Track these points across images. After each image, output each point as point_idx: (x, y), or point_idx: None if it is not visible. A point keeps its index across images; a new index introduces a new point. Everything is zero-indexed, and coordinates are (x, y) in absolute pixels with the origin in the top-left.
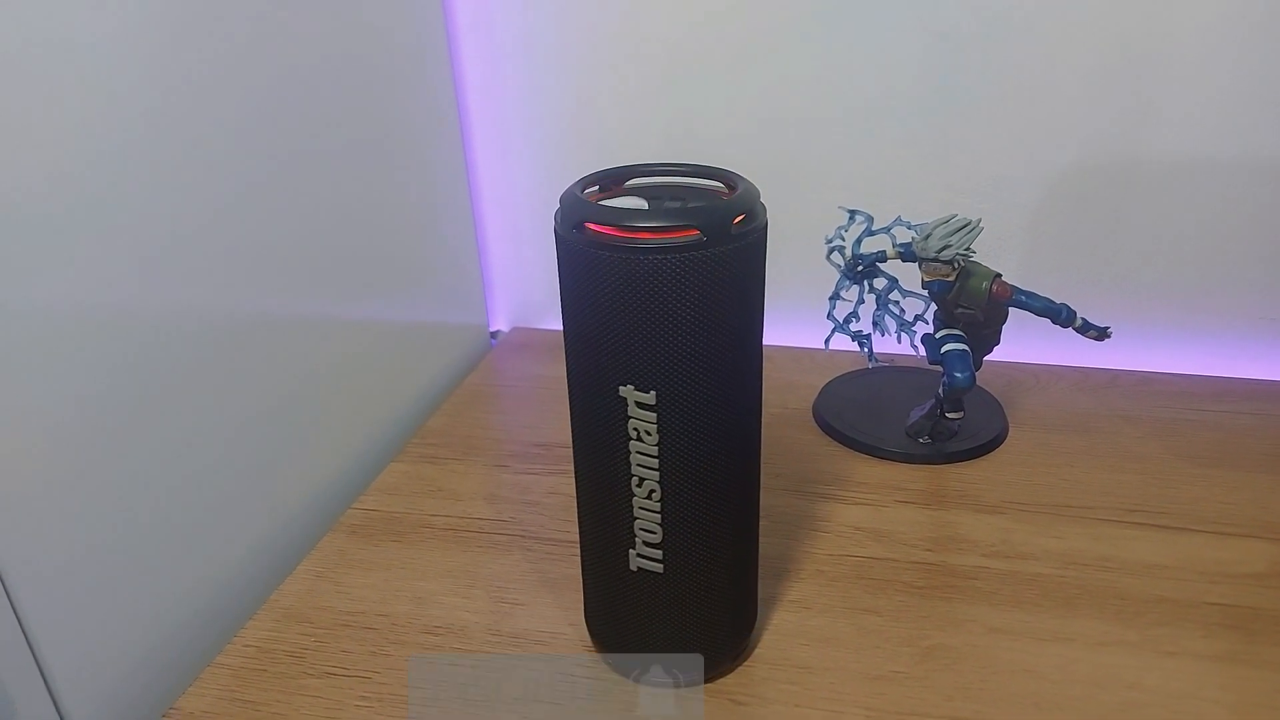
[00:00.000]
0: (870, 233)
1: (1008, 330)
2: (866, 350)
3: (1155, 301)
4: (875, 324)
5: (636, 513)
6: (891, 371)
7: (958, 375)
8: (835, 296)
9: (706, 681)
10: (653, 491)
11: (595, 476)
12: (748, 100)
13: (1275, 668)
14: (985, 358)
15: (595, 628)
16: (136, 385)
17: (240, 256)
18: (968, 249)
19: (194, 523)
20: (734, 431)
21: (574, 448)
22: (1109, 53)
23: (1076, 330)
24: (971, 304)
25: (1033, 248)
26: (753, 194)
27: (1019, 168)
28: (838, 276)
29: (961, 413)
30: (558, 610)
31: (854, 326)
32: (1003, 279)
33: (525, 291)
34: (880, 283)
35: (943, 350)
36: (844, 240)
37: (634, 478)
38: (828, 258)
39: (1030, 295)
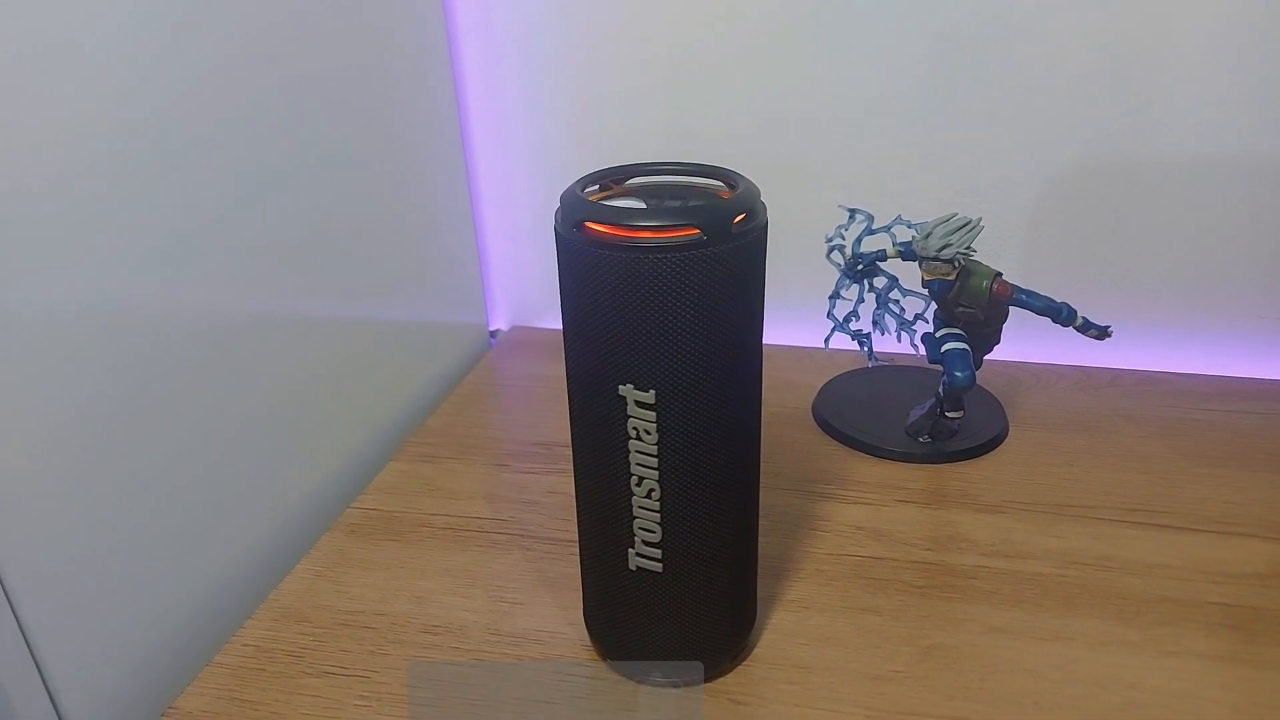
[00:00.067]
0: (870, 231)
1: (1008, 329)
2: (866, 349)
3: (1156, 300)
4: (875, 323)
5: (636, 512)
6: (891, 371)
7: (958, 374)
8: (835, 295)
9: (705, 681)
10: (652, 491)
11: (594, 476)
12: (748, 100)
13: (1277, 668)
14: (985, 357)
15: (594, 627)
16: (133, 385)
17: (238, 256)
18: (968, 248)
19: (192, 522)
20: (733, 430)
21: (573, 447)
22: (1109, 53)
23: (1077, 329)
24: (972, 303)
25: (1033, 247)
26: (753, 193)
27: (1019, 167)
28: (838, 275)
29: (962, 412)
30: (557, 610)
31: (854, 325)
32: (1003, 278)
33: (524, 290)
34: (880, 282)
35: (943, 349)
36: (844, 239)
37: (633, 477)
38: (828, 257)
39: (1031, 294)
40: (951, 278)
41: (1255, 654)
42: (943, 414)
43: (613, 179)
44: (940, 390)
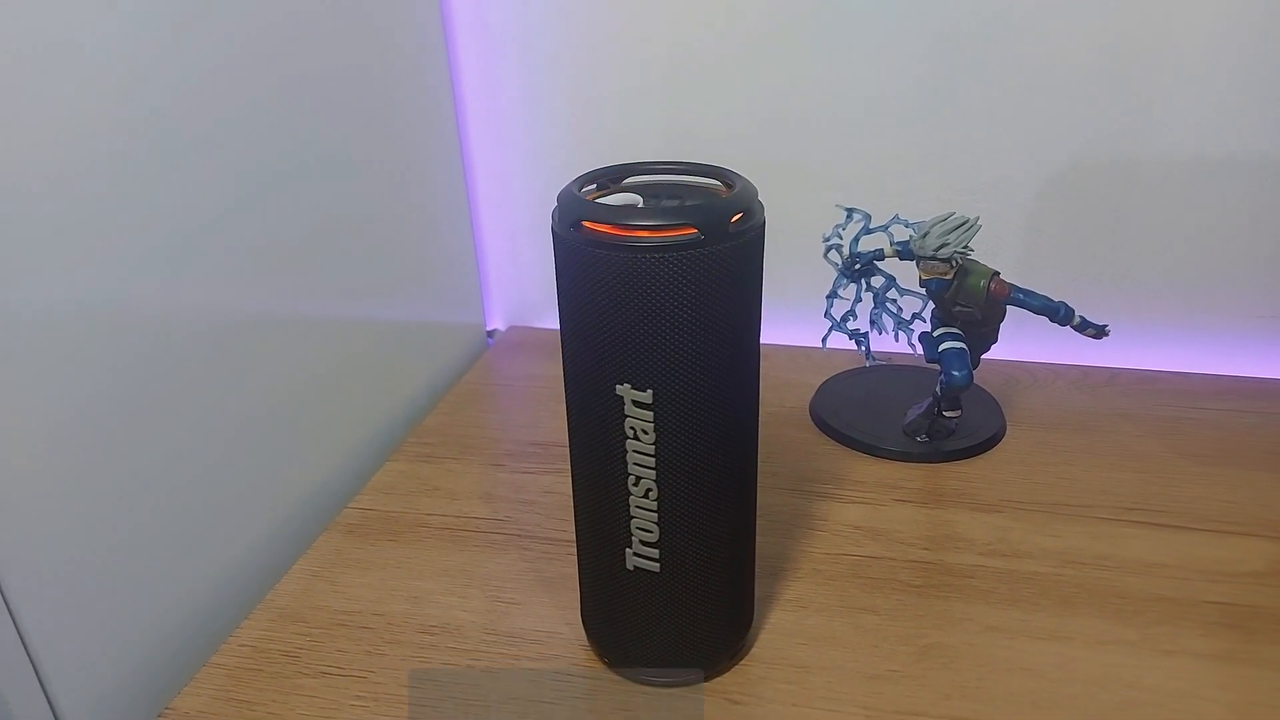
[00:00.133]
0: (868, 231)
1: (1006, 328)
2: (864, 349)
3: (1154, 299)
4: (873, 322)
5: (633, 512)
6: (889, 370)
7: (955, 374)
8: (833, 295)
9: (703, 681)
10: (649, 490)
11: (592, 475)
12: (747, 100)
13: (1274, 666)
14: (983, 356)
15: (591, 627)
16: (131, 385)
17: (236, 256)
18: (966, 247)
19: (190, 522)
20: (731, 430)
21: (570, 447)
22: (1109, 53)
23: (1075, 328)
24: (969, 302)
25: (1032, 246)
26: (750, 192)
27: (1018, 167)
28: (835, 275)
29: (959, 411)
30: (554, 610)
31: (851, 325)
32: (1001, 277)
33: (522, 290)
34: (878, 281)
35: (940, 348)
36: (841, 238)
37: (630, 477)
38: (825, 256)
39: (1028, 293)
40: (949, 277)
41: (1252, 653)
42: (940, 413)
43: (610, 178)
44: (938, 389)
